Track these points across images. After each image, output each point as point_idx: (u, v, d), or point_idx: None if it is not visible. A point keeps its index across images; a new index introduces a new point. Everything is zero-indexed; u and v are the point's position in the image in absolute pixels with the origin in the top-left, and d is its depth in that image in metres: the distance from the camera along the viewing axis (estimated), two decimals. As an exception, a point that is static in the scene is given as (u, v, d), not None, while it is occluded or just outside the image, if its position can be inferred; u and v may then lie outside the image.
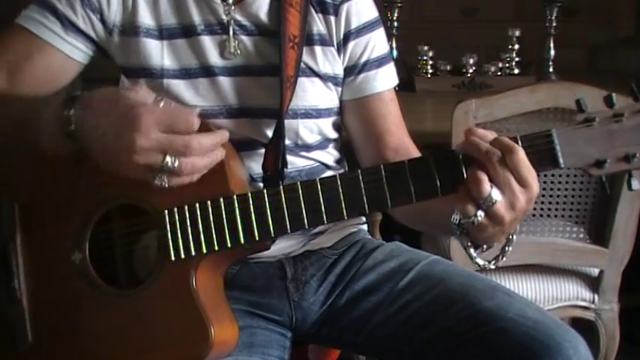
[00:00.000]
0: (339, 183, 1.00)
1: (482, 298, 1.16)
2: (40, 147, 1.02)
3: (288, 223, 1.02)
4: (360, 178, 1.00)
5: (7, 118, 1.07)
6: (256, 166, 1.18)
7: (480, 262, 1.00)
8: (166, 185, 0.96)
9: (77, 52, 1.19)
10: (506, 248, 1.01)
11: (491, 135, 0.95)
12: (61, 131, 0.99)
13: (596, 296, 1.79)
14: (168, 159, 0.94)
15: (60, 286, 1.09)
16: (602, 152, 0.94)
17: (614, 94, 0.94)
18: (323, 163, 1.27)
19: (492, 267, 1.01)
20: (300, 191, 1.02)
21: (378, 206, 1.01)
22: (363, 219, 1.40)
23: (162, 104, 0.96)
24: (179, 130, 0.95)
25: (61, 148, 1.00)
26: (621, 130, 0.94)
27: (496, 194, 0.92)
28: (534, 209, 1.75)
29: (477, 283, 1.20)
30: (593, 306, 1.80)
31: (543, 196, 1.74)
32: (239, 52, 1.19)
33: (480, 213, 0.93)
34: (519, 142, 0.94)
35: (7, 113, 1.08)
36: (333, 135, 1.28)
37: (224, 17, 1.19)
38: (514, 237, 1.00)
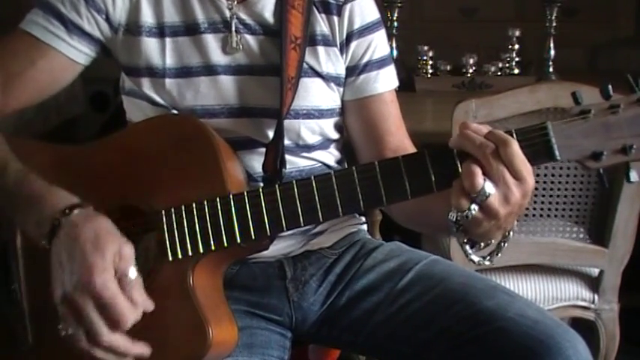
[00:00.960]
0: (334, 180, 1.01)
1: (483, 298, 1.16)
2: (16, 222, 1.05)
3: (284, 221, 1.02)
4: (355, 175, 1.00)
5: None
6: (256, 165, 1.18)
7: (475, 258, 1.00)
8: (68, 334, 0.96)
9: (81, 55, 1.19)
10: (502, 244, 1.00)
11: (485, 129, 0.95)
12: (40, 239, 1.00)
13: (596, 296, 1.79)
14: (78, 329, 0.95)
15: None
16: (598, 144, 0.93)
17: (609, 86, 0.94)
18: (324, 164, 1.27)
19: (487, 263, 1.01)
20: (296, 189, 1.02)
21: (373, 203, 1.01)
22: (363, 219, 1.40)
23: (129, 278, 0.96)
24: (109, 319, 0.94)
25: (35, 236, 1.01)
26: (618, 122, 0.93)
27: (489, 187, 0.92)
28: (534, 209, 1.75)
29: (477, 282, 1.20)
30: (593, 306, 1.80)
31: (543, 196, 1.74)
32: (241, 47, 1.19)
33: (474, 207, 0.93)
34: (514, 135, 0.94)
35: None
36: (335, 135, 1.28)
37: (227, 14, 1.19)
38: (511, 233, 1.00)
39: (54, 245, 0.98)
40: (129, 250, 0.98)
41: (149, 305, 0.98)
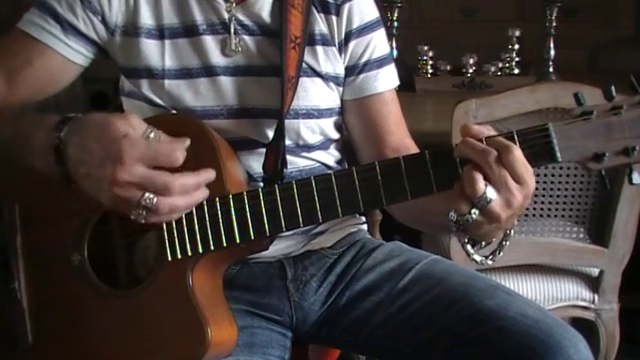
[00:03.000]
0: (333, 181, 1.00)
1: (483, 298, 1.16)
2: (32, 168, 1.02)
3: (283, 221, 1.02)
4: (355, 175, 1.00)
5: None
6: (257, 165, 1.18)
7: (477, 258, 1.00)
8: (143, 221, 0.96)
9: (78, 55, 1.19)
10: (504, 243, 1.00)
11: (487, 130, 0.95)
12: (51, 153, 0.98)
13: (596, 296, 1.79)
14: (147, 196, 0.94)
15: (59, 286, 1.10)
16: (600, 146, 0.93)
17: (612, 87, 0.93)
18: (324, 164, 1.27)
19: (490, 262, 1.01)
20: (295, 190, 1.02)
21: (372, 203, 1.01)
22: (363, 219, 1.40)
23: (152, 136, 0.96)
24: (162, 165, 0.95)
25: (51, 170, 1.00)
26: (620, 123, 0.92)
27: (491, 193, 0.92)
28: (534, 209, 1.75)
29: (477, 282, 1.20)
30: (593, 306, 1.80)
31: (543, 196, 1.74)
32: (240, 49, 1.19)
33: (475, 211, 0.93)
34: (515, 137, 0.94)
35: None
36: (335, 135, 1.28)
37: (226, 16, 1.19)
38: (512, 232, 1.00)
39: (69, 159, 0.97)
40: (134, 117, 0.97)
41: (182, 142, 0.97)
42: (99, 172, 0.95)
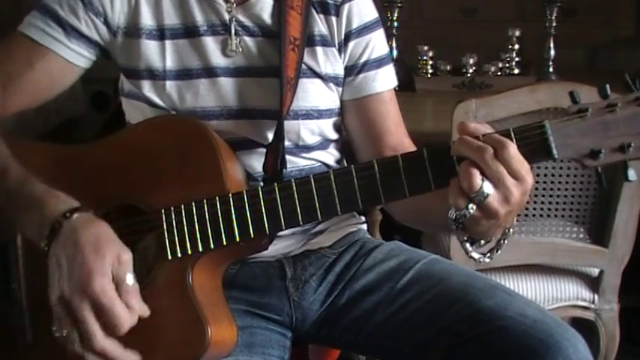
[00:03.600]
0: (332, 179, 1.01)
1: (482, 297, 1.16)
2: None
3: (282, 220, 1.02)
4: (354, 173, 1.00)
5: None
6: (257, 165, 1.19)
7: (475, 255, 1.00)
8: (61, 341, 0.97)
9: (80, 58, 1.19)
10: (502, 241, 1.01)
11: (483, 128, 0.95)
12: (39, 241, 1.00)
13: (596, 296, 1.79)
14: (73, 332, 0.96)
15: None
16: (596, 143, 0.93)
17: (607, 85, 0.94)
18: (324, 164, 1.27)
19: (487, 260, 1.01)
20: (295, 188, 1.02)
21: (371, 201, 1.01)
22: (363, 218, 1.40)
23: (127, 284, 0.96)
24: (105, 323, 0.95)
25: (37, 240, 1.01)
26: (615, 121, 0.93)
27: (488, 188, 0.92)
28: (534, 209, 1.75)
29: (476, 282, 1.20)
30: (593, 306, 1.80)
31: (543, 196, 1.74)
32: (240, 50, 1.19)
33: (472, 206, 0.93)
34: (512, 134, 0.94)
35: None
36: (334, 136, 1.28)
37: (226, 17, 1.19)
38: (511, 230, 1.00)
39: (53, 247, 0.98)
40: (127, 256, 0.99)
41: (145, 311, 0.99)
42: (61, 279, 0.96)
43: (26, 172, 1.06)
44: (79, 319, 0.95)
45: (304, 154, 1.24)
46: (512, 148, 0.92)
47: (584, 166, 0.95)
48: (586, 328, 1.64)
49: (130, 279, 0.97)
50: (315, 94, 1.22)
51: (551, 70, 2.50)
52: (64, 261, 0.97)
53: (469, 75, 2.47)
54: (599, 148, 0.93)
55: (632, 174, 0.95)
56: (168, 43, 1.19)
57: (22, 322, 1.11)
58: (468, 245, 1.00)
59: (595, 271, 1.80)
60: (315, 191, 1.01)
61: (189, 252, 1.04)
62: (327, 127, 1.25)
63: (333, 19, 1.22)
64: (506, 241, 1.00)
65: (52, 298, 0.97)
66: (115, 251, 0.98)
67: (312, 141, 1.24)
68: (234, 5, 1.19)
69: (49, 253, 0.98)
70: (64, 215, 0.99)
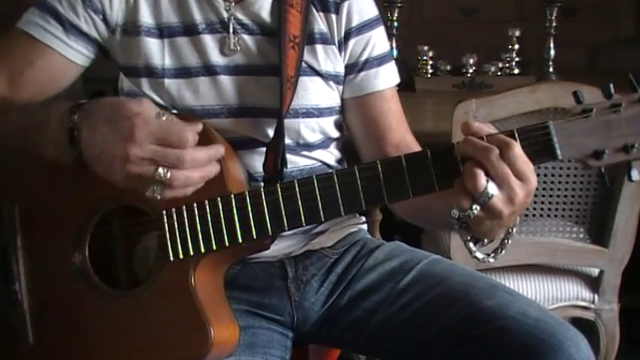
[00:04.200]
0: (335, 180, 1.01)
1: (483, 297, 1.16)
2: (44, 156, 1.02)
3: (285, 220, 1.02)
4: (357, 174, 1.00)
5: (6, 126, 1.07)
6: (257, 165, 1.19)
7: (480, 255, 1.00)
8: (158, 197, 0.96)
9: (79, 55, 1.19)
10: (506, 241, 1.00)
11: (487, 128, 0.95)
12: (64, 138, 0.98)
13: (596, 296, 1.79)
14: (160, 170, 0.94)
15: (60, 287, 1.09)
16: (600, 143, 0.93)
17: (611, 84, 0.94)
18: (324, 163, 1.27)
19: (492, 260, 1.01)
20: (297, 189, 1.02)
21: (374, 202, 1.01)
22: (363, 219, 1.40)
23: (164, 117, 0.96)
24: (173, 144, 0.94)
25: (64, 155, 1.00)
26: (619, 121, 0.93)
27: (492, 188, 0.92)
28: (534, 209, 1.75)
29: (477, 282, 1.20)
30: (593, 306, 1.80)
31: (543, 196, 1.74)
32: (239, 48, 1.19)
33: (476, 206, 0.93)
34: (516, 134, 0.94)
35: (7, 123, 1.07)
36: (335, 134, 1.28)
37: (225, 15, 1.19)
38: (514, 230, 1.00)
39: (82, 142, 0.97)
40: (146, 100, 0.98)
41: (195, 125, 0.97)
42: (112, 150, 0.95)
43: (23, 105, 1.07)
44: (153, 157, 0.93)
45: (305, 153, 1.24)
46: (518, 149, 0.92)
47: (587, 166, 0.95)
48: (586, 328, 1.63)
49: (161, 114, 0.96)
50: (316, 93, 1.22)
51: (551, 70, 2.50)
52: (99, 135, 0.95)
53: (469, 75, 2.47)
54: (603, 149, 0.93)
55: (635, 174, 0.95)
56: (166, 41, 1.18)
57: (23, 322, 1.10)
58: (471, 245, 0.99)
59: (595, 271, 1.80)
60: (318, 192, 1.01)
61: (191, 253, 1.04)
62: (327, 125, 1.25)
63: (333, 16, 1.22)
64: (509, 241, 1.00)
65: (118, 176, 0.95)
66: (134, 100, 0.97)
67: (313, 139, 1.24)
68: (233, 3, 1.19)
69: (84, 145, 0.97)
70: (75, 107, 0.99)
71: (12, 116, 1.07)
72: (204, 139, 1.07)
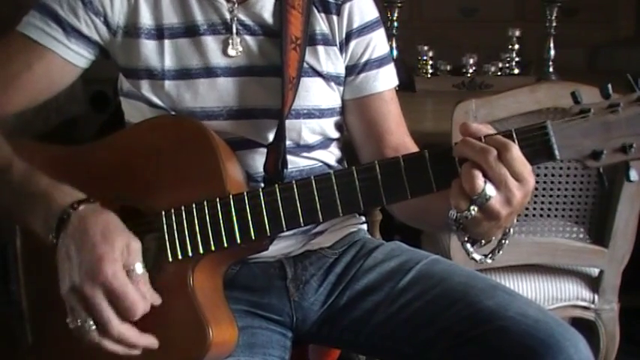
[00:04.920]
0: (333, 180, 1.01)
1: (483, 297, 1.16)
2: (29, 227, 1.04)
3: (283, 221, 1.02)
4: (355, 175, 1.00)
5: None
6: (257, 166, 1.19)
7: (477, 256, 1.00)
8: (78, 333, 0.97)
9: (79, 58, 1.18)
10: (503, 241, 1.00)
11: (485, 129, 0.95)
12: (47, 232, 1.00)
13: (596, 296, 1.79)
14: (88, 320, 0.96)
15: (59, 287, 1.09)
16: (598, 143, 0.93)
17: (609, 85, 0.93)
18: (324, 163, 1.27)
19: (489, 261, 1.01)
20: (296, 189, 1.02)
21: (372, 203, 1.01)
22: (363, 219, 1.40)
23: (137, 273, 0.97)
24: (119, 308, 0.96)
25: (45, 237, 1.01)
26: (617, 121, 0.93)
27: (490, 190, 0.92)
28: (534, 209, 1.75)
29: (477, 282, 1.20)
30: (593, 306, 1.80)
31: (543, 196, 1.74)
32: (241, 49, 1.19)
33: (474, 207, 0.93)
34: (514, 135, 0.94)
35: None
36: (335, 135, 1.28)
37: (227, 16, 1.19)
38: (511, 230, 1.00)
39: (62, 239, 0.98)
40: (136, 244, 0.99)
41: (156, 299, 1.00)
42: (71, 269, 0.97)
43: (30, 167, 1.06)
44: (92, 306, 0.95)
45: (305, 154, 1.24)
46: (516, 150, 0.92)
47: (585, 166, 0.95)
48: (586, 328, 1.64)
49: (139, 267, 0.98)
50: (317, 93, 1.22)
51: (551, 70, 2.50)
52: (73, 251, 0.97)
53: (469, 75, 2.47)
54: (601, 149, 0.93)
55: (633, 174, 0.95)
56: (166, 42, 1.18)
57: (22, 322, 1.11)
58: (468, 246, 0.99)
59: (595, 271, 1.80)
60: (316, 192, 1.01)
61: (190, 254, 1.04)
62: (328, 127, 1.25)
63: (335, 18, 1.22)
64: (507, 242, 1.00)
65: (62, 289, 0.97)
66: (124, 239, 0.98)
67: (313, 140, 1.24)
68: (236, 5, 1.19)
69: (58, 245, 0.99)
70: (72, 206, 0.99)
71: (12, 179, 1.06)
72: (203, 143, 1.07)
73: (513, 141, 0.93)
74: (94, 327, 0.96)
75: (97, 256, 0.95)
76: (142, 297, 0.97)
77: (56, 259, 0.99)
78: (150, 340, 0.99)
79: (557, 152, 0.94)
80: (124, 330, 0.97)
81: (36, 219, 1.02)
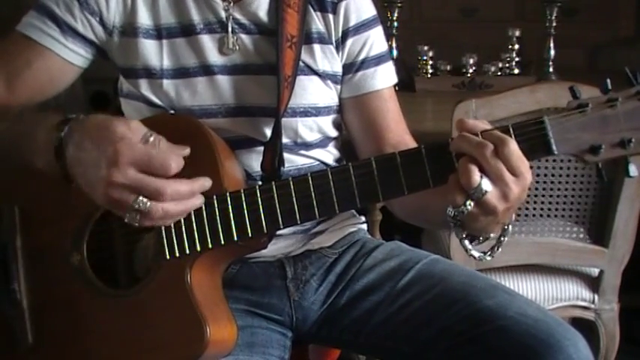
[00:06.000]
0: (330, 177, 1.01)
1: (483, 297, 1.16)
2: (32, 165, 1.03)
3: (280, 218, 1.02)
4: (351, 171, 1.00)
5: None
6: (255, 164, 1.19)
7: (476, 254, 1.00)
8: (137, 224, 0.96)
9: (77, 56, 1.19)
10: (502, 239, 1.00)
11: (482, 125, 0.95)
12: (51, 153, 0.99)
13: (596, 296, 1.79)
14: (140, 199, 0.95)
15: (59, 287, 1.10)
16: (596, 138, 0.93)
17: (608, 80, 0.93)
18: (323, 162, 1.27)
19: (488, 258, 1.00)
20: (292, 187, 1.02)
21: (369, 199, 1.01)
22: (363, 218, 1.40)
23: (150, 140, 0.96)
24: (156, 172, 0.95)
25: (51, 168, 1.00)
26: (616, 116, 0.92)
27: (486, 185, 0.92)
28: (534, 209, 1.75)
29: (477, 282, 1.20)
30: (593, 306, 1.80)
31: (543, 196, 1.74)
32: (237, 47, 1.19)
33: (470, 202, 0.93)
34: (511, 130, 0.94)
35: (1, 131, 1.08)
36: (333, 133, 1.28)
37: (223, 15, 1.19)
38: (510, 227, 0.99)
39: (68, 158, 0.98)
40: (135, 122, 0.98)
41: (183, 148, 0.99)
42: (94, 172, 0.95)
43: (16, 115, 1.07)
44: (134, 186, 0.94)
45: (303, 152, 1.24)
46: (513, 145, 0.92)
47: (584, 161, 0.95)
48: (586, 328, 1.64)
49: (149, 134, 0.96)
50: (313, 92, 1.22)
51: (551, 70, 2.50)
52: (84, 156, 0.96)
53: (469, 75, 2.47)
54: (599, 144, 0.93)
55: (633, 169, 0.94)
56: (165, 42, 1.19)
57: (22, 322, 1.11)
58: (467, 243, 0.99)
59: (595, 271, 1.80)
60: (312, 189, 1.01)
61: (188, 251, 1.04)
62: (325, 125, 1.25)
63: (331, 16, 1.23)
64: (506, 238, 1.00)
65: (98, 197, 0.96)
66: (123, 122, 0.97)
67: (311, 138, 1.24)
68: (231, 4, 1.19)
69: (68, 162, 0.97)
70: (63, 122, 0.99)
71: (4, 123, 1.07)
72: (201, 141, 1.07)
73: (510, 136, 0.93)
74: (148, 203, 0.95)
75: (109, 145, 0.94)
76: (168, 150, 0.96)
77: (76, 180, 0.98)
78: (203, 181, 0.99)
79: (554, 147, 0.94)
80: (176, 186, 0.95)
81: (35, 155, 1.01)
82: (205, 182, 1.00)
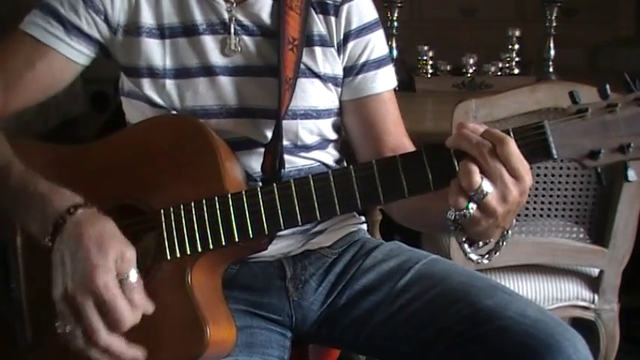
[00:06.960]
0: (331, 179, 1.01)
1: (482, 297, 1.16)
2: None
3: (281, 220, 1.02)
4: (353, 173, 1.00)
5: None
6: (255, 165, 1.19)
7: (474, 257, 1.00)
8: (59, 331, 0.97)
9: (80, 55, 1.19)
10: (501, 243, 1.00)
11: (482, 128, 0.95)
12: (44, 234, 1.00)
13: (596, 296, 1.79)
14: (76, 329, 0.95)
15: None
16: (596, 143, 0.93)
17: (607, 85, 0.94)
18: (323, 163, 1.27)
19: (485, 261, 1.01)
20: (294, 188, 1.02)
21: (370, 201, 1.01)
22: (363, 218, 1.40)
23: (128, 281, 0.96)
24: (108, 319, 0.95)
25: (41, 237, 1.01)
26: (615, 121, 0.93)
27: (487, 186, 0.92)
28: (534, 209, 1.75)
29: (476, 282, 1.20)
30: (593, 306, 1.80)
31: (543, 196, 1.74)
32: (239, 49, 1.19)
33: (472, 205, 0.93)
34: (511, 134, 0.94)
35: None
36: (333, 136, 1.28)
37: (225, 16, 1.19)
38: (509, 232, 0.99)
39: (57, 243, 0.98)
40: (131, 253, 0.99)
41: (149, 308, 0.99)
42: (63, 276, 0.96)
43: (29, 170, 1.06)
44: (82, 315, 0.95)
45: (303, 154, 1.24)
46: (512, 145, 0.92)
47: (583, 166, 0.95)
48: (586, 328, 1.64)
49: (133, 276, 0.97)
50: (314, 94, 1.22)
51: (551, 70, 2.50)
52: (67, 257, 0.97)
53: (469, 75, 2.47)
54: (599, 149, 0.93)
55: (632, 174, 0.95)
56: (167, 41, 1.19)
57: (22, 321, 1.11)
58: (466, 246, 0.99)
59: (595, 271, 1.80)
60: (314, 191, 1.01)
61: (188, 252, 1.04)
62: (325, 127, 1.26)
63: (332, 19, 1.23)
64: (504, 243, 1.00)
65: (55, 294, 0.97)
66: (119, 247, 0.98)
67: (311, 141, 1.24)
68: (234, 5, 1.19)
69: (53, 249, 0.99)
70: (68, 211, 0.99)
71: (10, 180, 1.06)
72: (203, 142, 1.07)
73: None
74: (81, 335, 0.96)
75: (90, 266, 0.95)
76: (134, 308, 0.96)
77: (53, 258, 0.99)
78: (137, 353, 0.98)
79: (554, 151, 0.94)
80: (111, 341, 0.96)
81: (33, 222, 1.02)
82: (137, 355, 0.98)
